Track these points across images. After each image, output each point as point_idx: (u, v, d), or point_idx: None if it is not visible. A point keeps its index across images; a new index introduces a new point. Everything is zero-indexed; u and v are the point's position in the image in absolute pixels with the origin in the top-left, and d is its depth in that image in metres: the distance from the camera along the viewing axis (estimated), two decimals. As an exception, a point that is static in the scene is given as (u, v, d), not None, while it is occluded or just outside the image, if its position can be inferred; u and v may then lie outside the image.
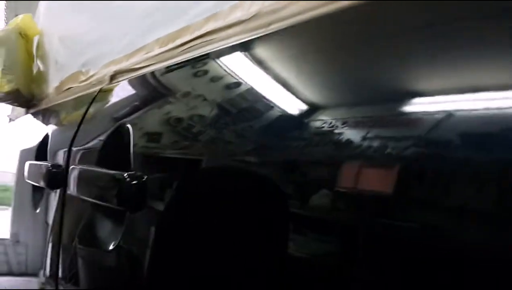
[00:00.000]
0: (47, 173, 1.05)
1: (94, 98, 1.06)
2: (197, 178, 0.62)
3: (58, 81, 1.40)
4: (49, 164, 1.08)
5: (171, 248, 0.65)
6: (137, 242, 0.74)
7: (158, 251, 0.67)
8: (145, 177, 0.69)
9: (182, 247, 0.62)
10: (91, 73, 1.18)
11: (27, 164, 1.25)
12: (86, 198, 0.84)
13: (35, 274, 1.30)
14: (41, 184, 1.11)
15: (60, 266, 1.03)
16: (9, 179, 1.74)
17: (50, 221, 1.13)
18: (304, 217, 0.45)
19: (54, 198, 1.10)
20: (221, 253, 0.54)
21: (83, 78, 1.22)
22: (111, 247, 0.77)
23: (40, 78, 1.60)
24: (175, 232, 0.65)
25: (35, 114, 1.63)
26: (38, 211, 1.22)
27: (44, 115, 1.52)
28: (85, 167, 0.89)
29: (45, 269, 1.17)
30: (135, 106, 0.91)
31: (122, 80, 0.98)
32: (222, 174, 0.58)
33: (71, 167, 0.94)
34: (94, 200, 0.82)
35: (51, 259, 1.12)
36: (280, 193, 0.47)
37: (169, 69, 0.81)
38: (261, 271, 0.48)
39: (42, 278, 1.22)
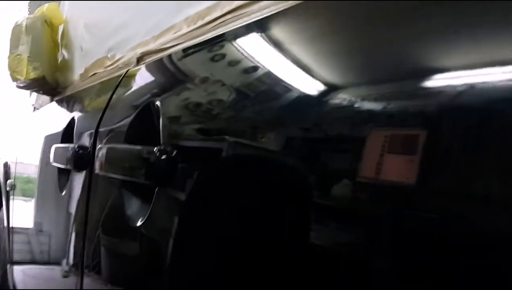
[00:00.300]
0: (74, 154, 1.05)
1: (120, 81, 1.06)
2: (225, 159, 0.61)
3: (83, 68, 1.40)
4: (76, 146, 1.07)
5: (197, 234, 0.63)
6: (164, 226, 0.73)
7: (184, 237, 0.66)
8: (175, 152, 0.68)
9: (207, 233, 0.61)
10: (117, 57, 1.17)
11: (53, 147, 1.26)
12: (114, 175, 0.84)
13: (58, 263, 1.30)
14: (68, 166, 1.11)
15: (85, 249, 1.02)
16: (32, 171, 1.75)
17: (75, 206, 1.13)
18: (326, 196, 0.43)
19: (79, 183, 1.10)
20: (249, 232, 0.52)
21: (108, 63, 1.22)
22: (138, 224, 0.76)
23: (65, 66, 1.61)
24: (199, 219, 0.63)
25: (59, 102, 1.64)
26: (63, 194, 1.22)
27: (69, 102, 1.53)
28: (112, 145, 0.89)
29: (68, 257, 1.17)
30: (164, 85, 0.90)
31: (150, 61, 0.98)
32: (253, 155, 0.56)
33: (98, 147, 0.93)
34: (122, 177, 0.81)
35: (75, 245, 1.12)
36: (304, 172, 0.47)
37: (195, 49, 0.80)
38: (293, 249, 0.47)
39: (65, 267, 1.22)
